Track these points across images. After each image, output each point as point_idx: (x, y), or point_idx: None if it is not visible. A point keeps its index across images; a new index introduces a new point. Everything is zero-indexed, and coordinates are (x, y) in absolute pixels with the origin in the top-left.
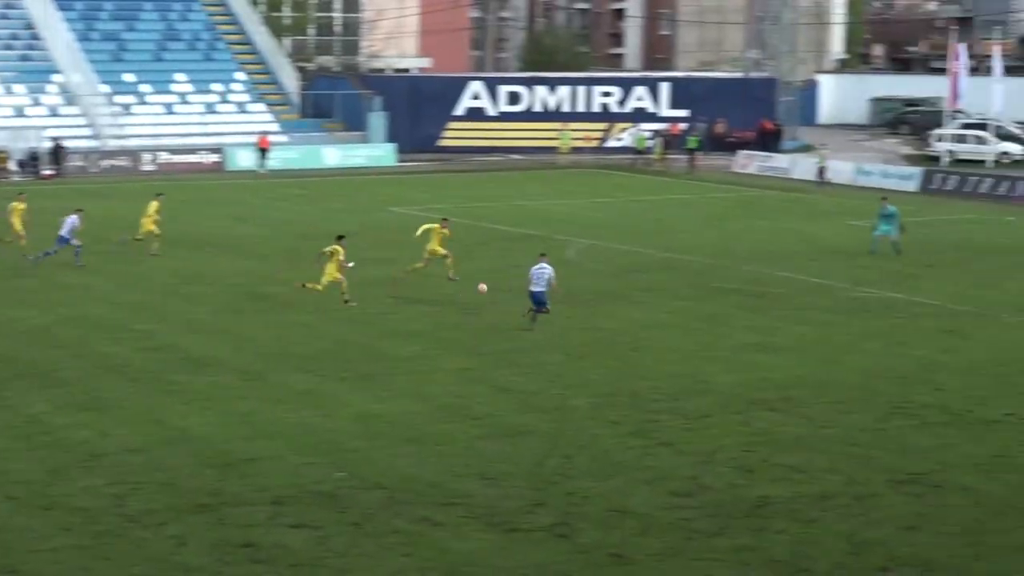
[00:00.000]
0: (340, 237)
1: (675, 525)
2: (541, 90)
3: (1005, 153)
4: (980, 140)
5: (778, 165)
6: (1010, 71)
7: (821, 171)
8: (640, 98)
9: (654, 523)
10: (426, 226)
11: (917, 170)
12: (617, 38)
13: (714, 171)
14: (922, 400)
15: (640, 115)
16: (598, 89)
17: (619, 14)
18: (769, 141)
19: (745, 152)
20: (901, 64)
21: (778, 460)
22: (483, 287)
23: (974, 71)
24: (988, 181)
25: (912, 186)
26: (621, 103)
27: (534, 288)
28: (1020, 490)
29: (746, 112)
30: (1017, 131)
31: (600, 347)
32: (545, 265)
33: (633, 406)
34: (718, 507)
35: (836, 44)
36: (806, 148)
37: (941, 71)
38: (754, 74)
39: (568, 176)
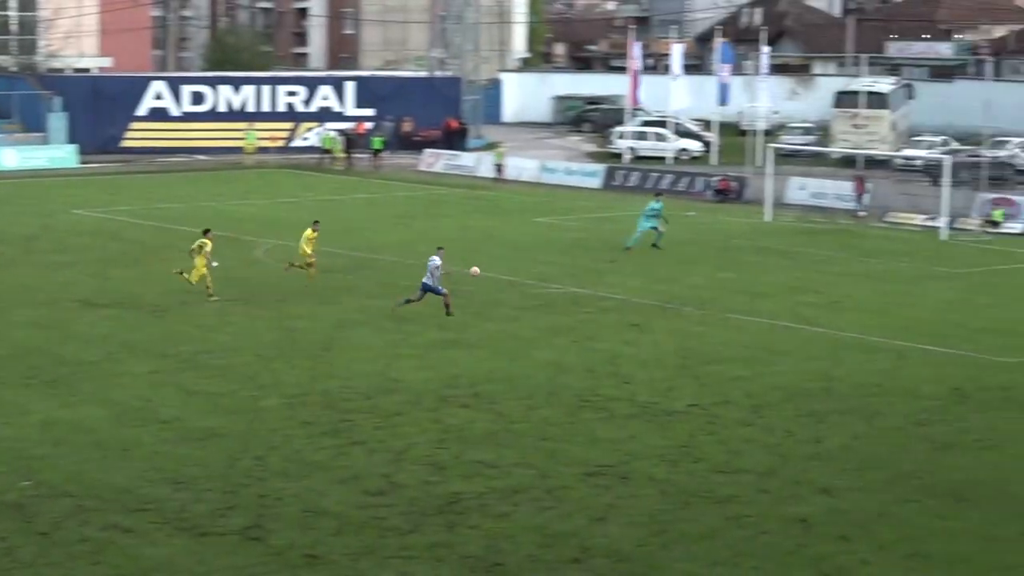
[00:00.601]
0: (206, 231)
1: (369, 524)
2: (225, 90)
3: (684, 150)
4: (660, 137)
5: (464, 163)
6: (688, 69)
7: (499, 168)
8: (326, 97)
9: (348, 522)
10: (305, 234)
11: (600, 167)
12: (301, 37)
13: (401, 170)
14: (609, 393)
15: (326, 114)
16: (283, 88)
17: (303, 13)
18: (455, 139)
19: (431, 151)
20: (582, 63)
21: (470, 456)
22: (476, 270)
23: (653, 69)
24: (669, 177)
25: (596, 183)
26: (306, 102)
27: (425, 279)
28: (704, 479)
29: (432, 111)
30: (695, 128)
31: (291, 347)
32: (435, 257)
33: (326, 406)
34: (411, 504)
35: (518, 43)
36: (491, 146)
37: (621, 69)
38: (439, 73)
39: (254, 176)
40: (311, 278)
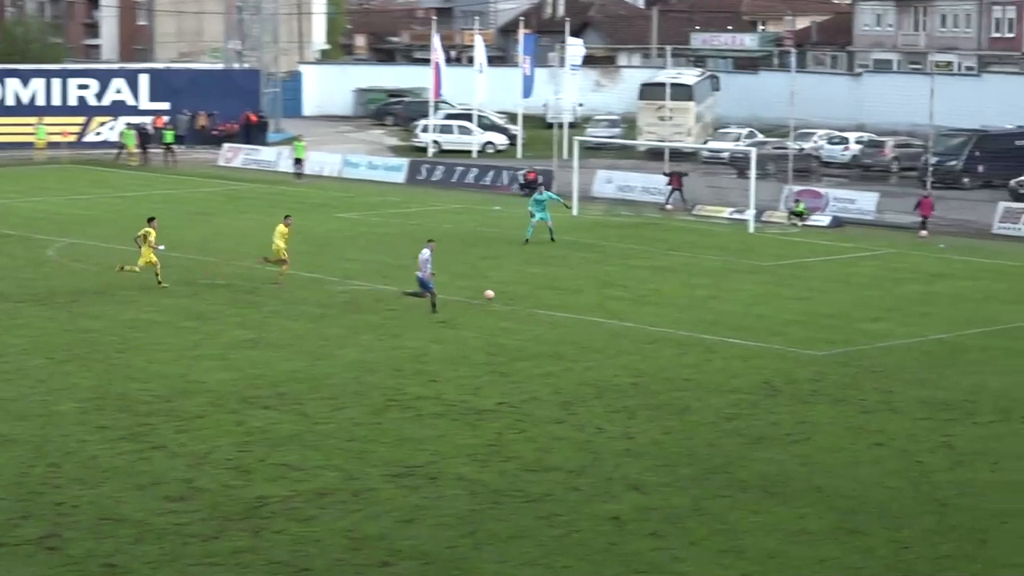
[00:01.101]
0: (151, 219)
1: (171, 531)
2: (13, 83)
3: (489, 143)
4: (465, 131)
5: (264, 158)
6: (492, 61)
7: (299, 163)
8: (119, 90)
9: (149, 530)
10: (278, 229)
11: (404, 161)
12: (93, 28)
13: (199, 165)
14: (416, 392)
15: (120, 108)
16: (74, 81)
17: (94, 3)
18: (254, 134)
19: (230, 145)
20: (384, 55)
21: (274, 459)
22: (490, 293)
23: (457, 61)
24: (474, 171)
25: (400, 177)
26: (99, 96)
27: (419, 273)
28: (514, 478)
29: (230, 104)
30: (501, 122)
31: (85, 349)
32: (425, 250)
33: (123, 409)
34: (214, 510)
35: (318, 34)
36: (292, 140)
37: (424, 61)
38: (236, 65)
39: (46, 172)
40: (283, 275)
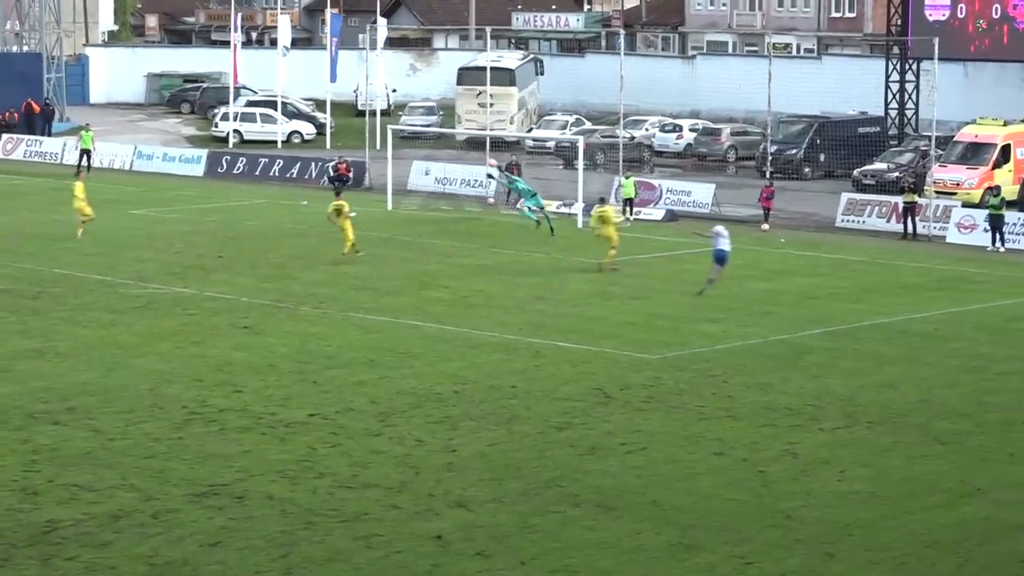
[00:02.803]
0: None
1: None
2: None
3: (295, 132)
4: (269, 119)
5: (48, 150)
6: (297, 44)
7: (87, 154)
8: None
9: None
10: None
11: (202, 152)
12: None
13: None
14: (220, 404)
15: None
16: None
17: None
18: (36, 123)
19: (9, 135)
20: (178, 36)
21: (65, 479)
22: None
23: (258, 43)
24: (279, 163)
25: (198, 170)
26: None
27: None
28: (329, 496)
29: (10, 91)
30: (307, 109)
31: None
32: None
33: None
34: (0, 536)
35: (105, 15)
36: (79, 130)
37: (223, 44)
38: (15, 48)
39: None
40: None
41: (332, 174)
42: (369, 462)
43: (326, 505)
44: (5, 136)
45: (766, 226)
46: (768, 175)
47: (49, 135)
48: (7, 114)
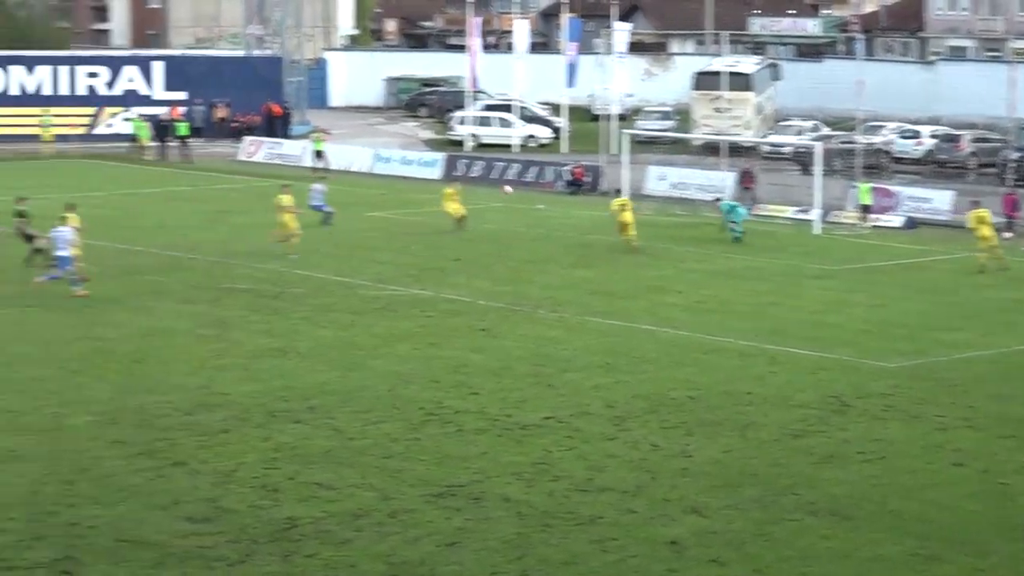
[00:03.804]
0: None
1: (194, 554)
2: (17, 71)
3: (532, 136)
4: (505, 123)
5: (289, 152)
6: (534, 48)
7: (320, 156)
8: (131, 79)
9: (170, 553)
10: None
11: (439, 155)
12: (102, 12)
13: (218, 159)
14: (456, 405)
15: (132, 98)
16: (82, 69)
17: None
18: (277, 126)
19: (251, 138)
20: (416, 41)
21: (305, 477)
22: (508, 189)
23: (495, 48)
24: (516, 167)
25: (435, 173)
26: (110, 85)
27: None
28: (564, 499)
29: (250, 94)
30: (543, 113)
31: (100, 359)
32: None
33: (140, 424)
34: (241, 532)
35: (345, 19)
36: (311, 133)
37: (460, 48)
38: (257, 52)
39: (54, 167)
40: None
41: (568, 179)
42: (604, 466)
43: (562, 508)
44: (247, 139)
45: (1009, 234)
46: (1012, 183)
47: (288, 138)
48: (247, 117)
